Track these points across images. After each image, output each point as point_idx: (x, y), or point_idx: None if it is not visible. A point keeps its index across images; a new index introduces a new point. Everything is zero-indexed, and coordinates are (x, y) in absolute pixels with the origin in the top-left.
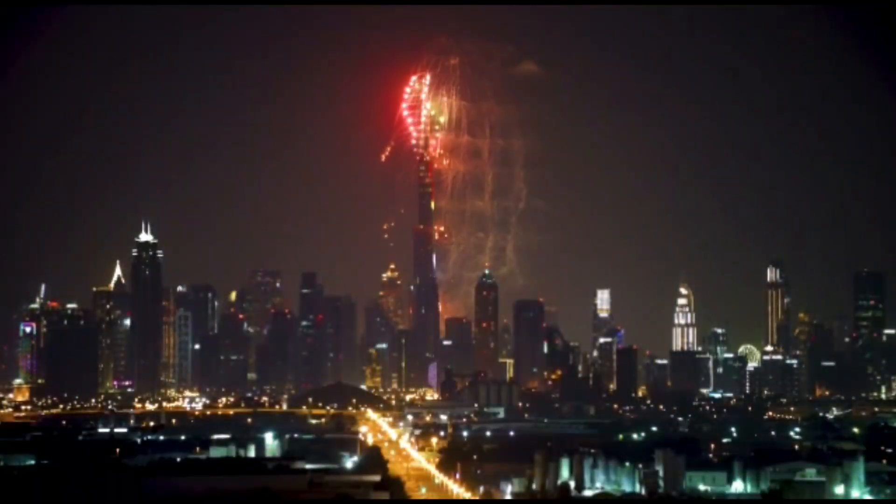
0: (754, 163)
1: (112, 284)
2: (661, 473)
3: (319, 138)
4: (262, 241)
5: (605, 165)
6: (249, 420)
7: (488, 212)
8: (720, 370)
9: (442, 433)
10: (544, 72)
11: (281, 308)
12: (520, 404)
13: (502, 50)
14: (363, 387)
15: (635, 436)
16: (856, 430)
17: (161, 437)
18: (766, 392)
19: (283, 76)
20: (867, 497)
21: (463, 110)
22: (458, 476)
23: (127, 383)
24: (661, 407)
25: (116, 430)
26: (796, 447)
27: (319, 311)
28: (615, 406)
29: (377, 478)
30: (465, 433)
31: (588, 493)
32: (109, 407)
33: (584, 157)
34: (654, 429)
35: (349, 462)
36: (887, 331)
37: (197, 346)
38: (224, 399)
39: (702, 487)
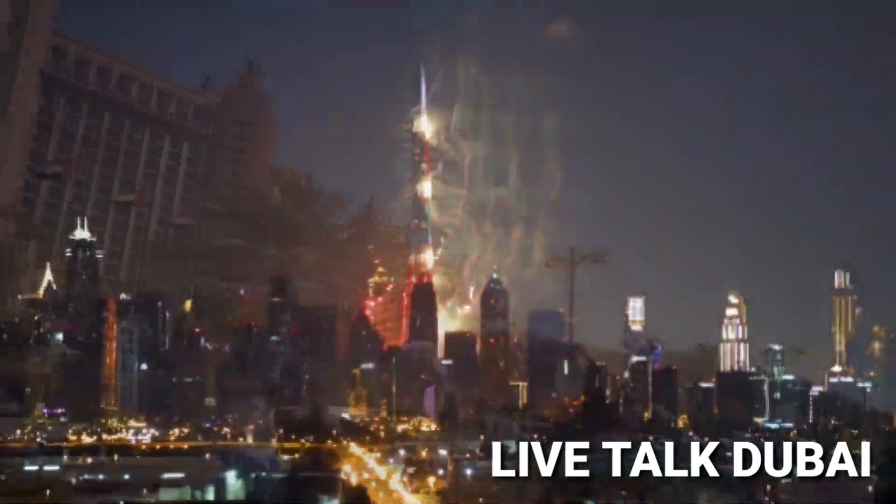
0: (821, 153)
1: (41, 291)
2: None
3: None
4: None
5: (644, 148)
6: (207, 456)
7: (512, 203)
8: (777, 395)
9: (441, 471)
10: (582, 33)
11: (245, 320)
12: (535, 436)
13: (531, 5)
14: (345, 415)
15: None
16: None
17: (101, 477)
18: (833, 421)
19: (281, 67)
20: None
21: (482, 80)
22: None
23: (59, 411)
24: (707, 439)
25: (46, 467)
26: (870, 488)
27: (292, 323)
28: (651, 438)
29: None
30: (468, 471)
31: None
32: (38, 440)
33: (622, 138)
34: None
35: None
36: None
37: (144, 366)
38: (177, 430)
39: None
